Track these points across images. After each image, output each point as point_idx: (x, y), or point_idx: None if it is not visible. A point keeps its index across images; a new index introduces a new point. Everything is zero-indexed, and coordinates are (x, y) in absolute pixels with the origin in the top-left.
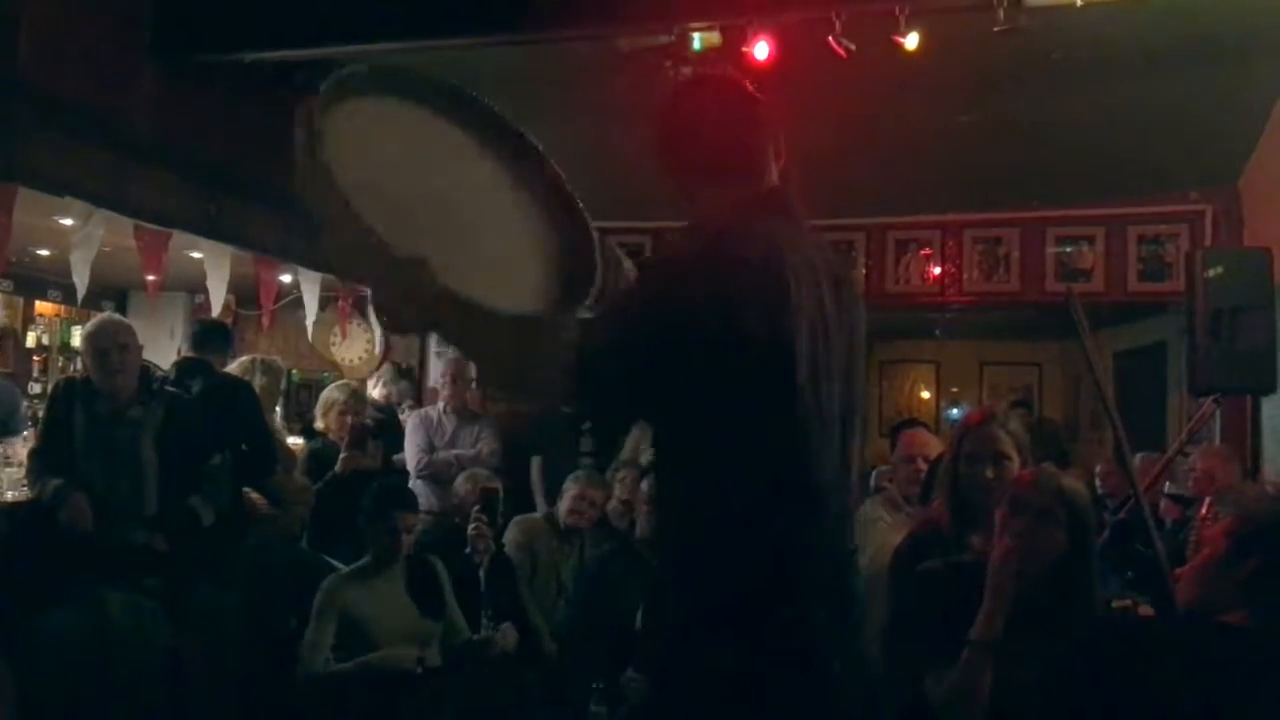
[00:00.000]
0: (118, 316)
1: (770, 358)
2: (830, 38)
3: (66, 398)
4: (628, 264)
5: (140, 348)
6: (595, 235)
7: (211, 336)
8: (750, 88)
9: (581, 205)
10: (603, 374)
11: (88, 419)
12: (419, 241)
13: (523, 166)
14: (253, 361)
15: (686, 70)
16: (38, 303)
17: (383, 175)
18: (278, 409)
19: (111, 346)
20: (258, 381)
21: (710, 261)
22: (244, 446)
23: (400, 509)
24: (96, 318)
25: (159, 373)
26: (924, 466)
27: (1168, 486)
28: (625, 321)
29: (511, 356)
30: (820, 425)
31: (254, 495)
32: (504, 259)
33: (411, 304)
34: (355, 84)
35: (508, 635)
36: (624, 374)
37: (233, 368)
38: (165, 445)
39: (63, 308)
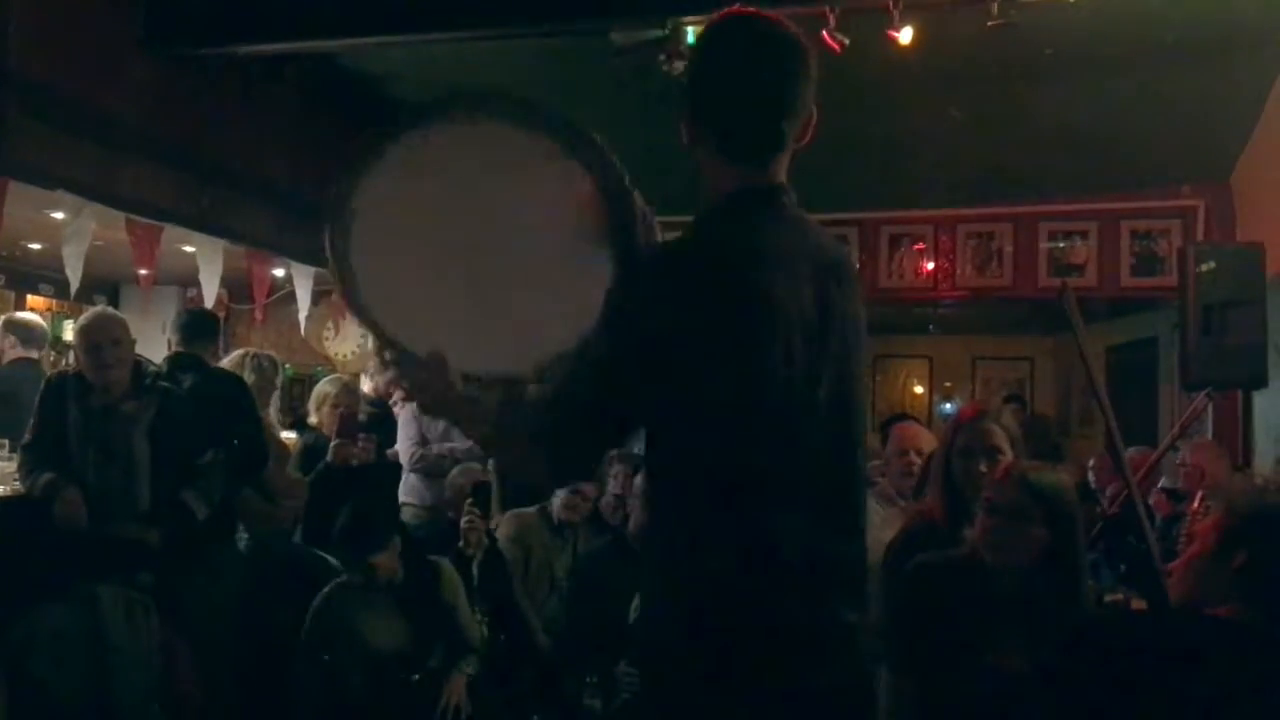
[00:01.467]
0: (110, 310)
1: (738, 354)
2: (824, 32)
3: (58, 392)
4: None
5: (133, 342)
6: (637, 209)
7: (201, 327)
8: (795, 33)
9: (626, 180)
10: (572, 448)
11: (80, 413)
12: (449, 288)
13: (561, 139)
14: (245, 356)
15: (680, 65)
16: (29, 297)
17: (424, 213)
18: (272, 404)
19: (104, 341)
20: (249, 377)
21: (666, 273)
22: (236, 442)
23: (372, 551)
24: (89, 311)
25: (151, 367)
26: (916, 460)
27: (1162, 481)
28: (593, 380)
29: (517, 450)
30: (800, 416)
31: (246, 490)
32: (549, 266)
33: (426, 398)
34: (422, 114)
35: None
36: (596, 438)
37: (226, 363)
38: (158, 440)
39: (54, 302)
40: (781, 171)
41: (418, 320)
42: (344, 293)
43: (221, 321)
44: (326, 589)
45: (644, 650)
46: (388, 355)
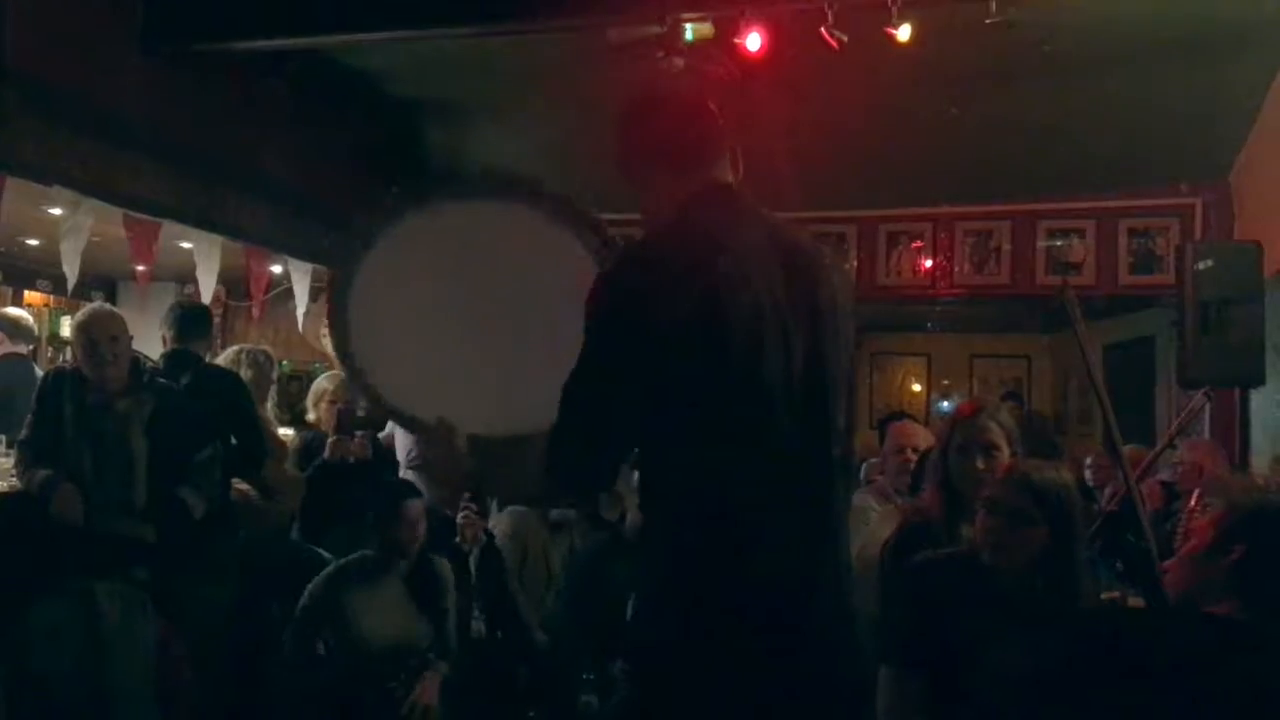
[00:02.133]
0: (108, 307)
1: (705, 348)
2: (822, 29)
3: (56, 388)
4: None
5: (130, 338)
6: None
7: (194, 322)
8: (701, 94)
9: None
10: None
11: (77, 410)
12: (454, 356)
13: (566, 219)
14: (239, 353)
15: (679, 61)
16: (26, 293)
17: (427, 283)
18: (269, 400)
19: (102, 337)
20: (245, 373)
21: (629, 276)
22: (233, 440)
23: (412, 498)
24: (87, 308)
25: (149, 364)
26: (913, 457)
27: (1160, 475)
28: (571, 415)
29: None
30: (778, 410)
31: (243, 486)
32: (549, 330)
33: (437, 460)
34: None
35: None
36: (601, 443)
37: (221, 359)
38: (155, 437)
39: (52, 298)
40: (727, 173)
41: (424, 389)
42: (348, 372)
43: (213, 315)
44: (329, 569)
45: (636, 649)
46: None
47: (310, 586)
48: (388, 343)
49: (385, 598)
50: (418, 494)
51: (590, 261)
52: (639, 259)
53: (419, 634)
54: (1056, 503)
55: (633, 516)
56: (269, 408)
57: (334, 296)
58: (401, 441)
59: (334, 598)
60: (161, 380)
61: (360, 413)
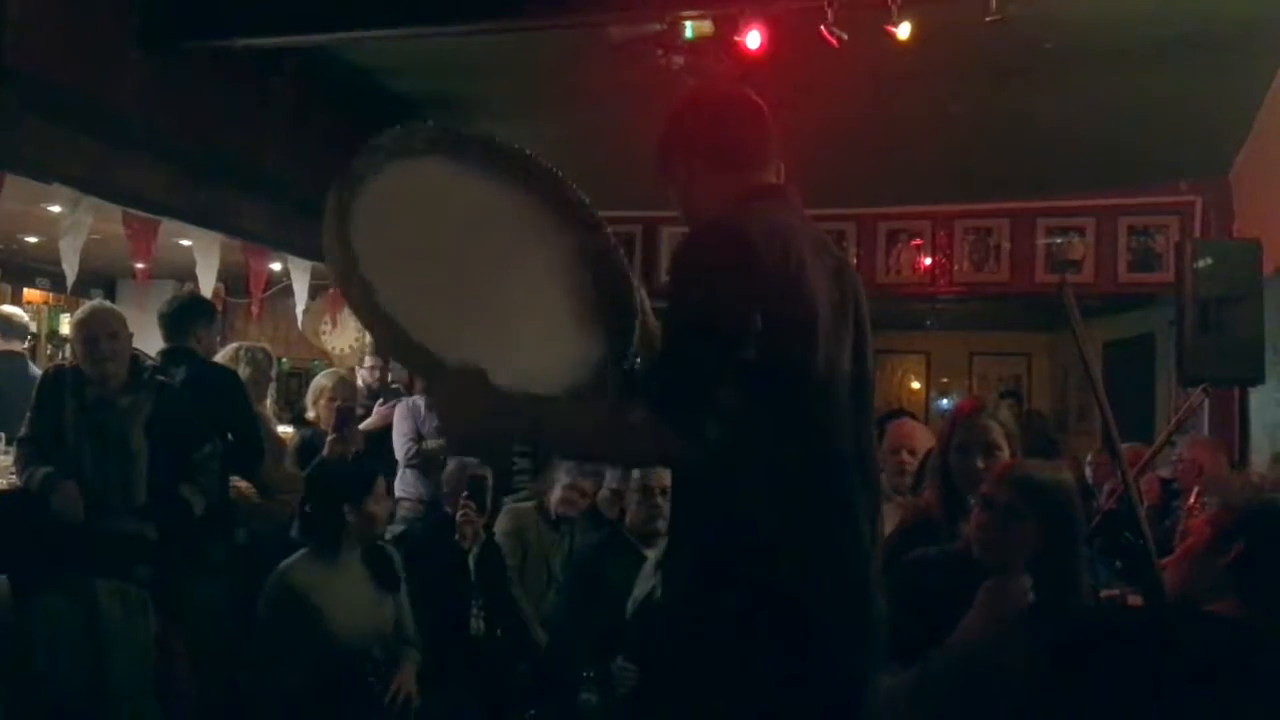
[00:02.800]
0: (107, 304)
1: (797, 336)
2: (822, 27)
3: (55, 386)
4: (645, 301)
5: (130, 335)
6: (633, 281)
7: (187, 314)
8: (754, 95)
9: (622, 255)
10: (703, 418)
11: (77, 407)
12: (465, 320)
13: (561, 210)
14: (238, 350)
15: (679, 59)
16: (25, 290)
17: (425, 243)
18: (269, 398)
19: (101, 334)
20: (244, 371)
21: (735, 240)
22: (230, 436)
23: (349, 501)
24: (86, 305)
25: (148, 361)
26: (908, 459)
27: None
28: (698, 354)
29: (576, 440)
30: (839, 397)
31: (242, 485)
32: (549, 314)
33: (469, 415)
34: (383, 153)
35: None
36: (720, 402)
37: (220, 357)
38: (156, 434)
39: (51, 295)
40: (775, 175)
41: (441, 333)
42: (355, 295)
43: (215, 307)
44: (290, 559)
45: (672, 641)
46: (416, 369)
47: (267, 586)
48: (398, 263)
49: (349, 584)
50: (355, 494)
51: (574, 248)
52: (736, 224)
53: (384, 620)
54: (1050, 501)
55: (632, 514)
56: (268, 405)
57: (339, 195)
58: (400, 440)
59: (295, 592)
60: (161, 377)
61: (360, 411)
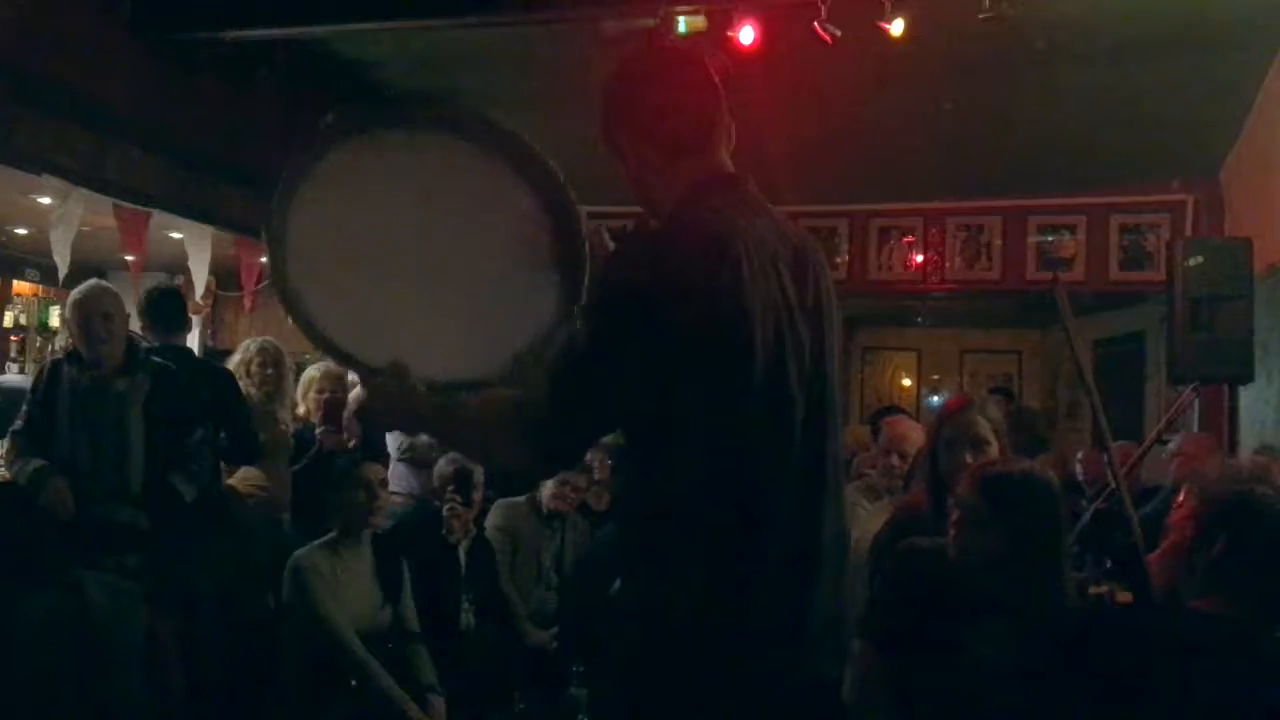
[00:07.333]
0: (103, 283)
1: (725, 337)
2: (816, 23)
3: (52, 377)
4: (609, 242)
5: (126, 316)
6: (582, 219)
7: (166, 309)
8: (705, 61)
9: (571, 195)
10: (577, 435)
11: (72, 391)
12: (401, 313)
13: (512, 158)
14: (258, 350)
15: None
16: (15, 282)
17: (369, 218)
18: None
19: (96, 314)
20: (266, 372)
21: (658, 252)
22: (223, 434)
23: (357, 487)
24: (82, 285)
25: (145, 344)
26: (898, 463)
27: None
28: (587, 378)
29: (485, 448)
30: (784, 402)
31: (233, 481)
32: (499, 272)
33: (390, 412)
34: (331, 136)
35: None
36: (598, 420)
37: (237, 355)
38: (152, 416)
39: (40, 287)
40: (727, 157)
41: (371, 331)
42: (288, 309)
43: (186, 301)
44: (303, 550)
45: (624, 645)
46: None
47: (292, 570)
48: (327, 275)
49: (355, 577)
50: (371, 459)
51: (535, 204)
52: (657, 244)
53: (396, 611)
54: (1017, 502)
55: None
56: (286, 408)
57: (271, 224)
58: (392, 435)
59: (306, 589)
60: (157, 360)
61: (351, 404)
